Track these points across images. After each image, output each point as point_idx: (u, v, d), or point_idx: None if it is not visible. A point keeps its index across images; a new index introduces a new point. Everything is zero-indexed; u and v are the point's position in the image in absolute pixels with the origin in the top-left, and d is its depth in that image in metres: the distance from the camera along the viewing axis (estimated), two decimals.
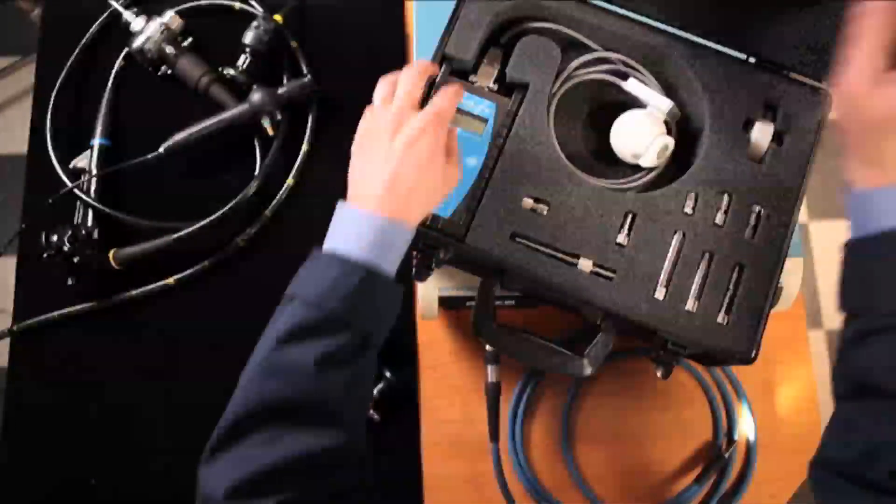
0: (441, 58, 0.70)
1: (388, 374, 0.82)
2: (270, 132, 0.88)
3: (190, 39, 0.91)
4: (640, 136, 0.69)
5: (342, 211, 0.58)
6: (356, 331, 0.53)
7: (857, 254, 0.55)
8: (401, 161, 0.56)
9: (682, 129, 0.73)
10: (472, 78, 0.70)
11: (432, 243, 0.66)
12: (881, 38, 0.52)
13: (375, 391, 0.81)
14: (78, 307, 0.84)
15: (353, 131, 0.86)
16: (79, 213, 0.85)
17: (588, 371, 0.66)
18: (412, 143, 0.57)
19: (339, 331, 0.52)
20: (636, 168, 0.72)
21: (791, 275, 0.74)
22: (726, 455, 0.81)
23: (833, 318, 1.77)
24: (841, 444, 0.54)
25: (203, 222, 0.84)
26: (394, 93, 0.61)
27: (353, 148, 0.61)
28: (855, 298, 0.55)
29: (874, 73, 0.52)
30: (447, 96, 0.60)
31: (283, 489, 0.47)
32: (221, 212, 0.85)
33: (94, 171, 0.87)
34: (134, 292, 0.84)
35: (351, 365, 0.53)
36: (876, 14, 0.52)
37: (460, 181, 0.62)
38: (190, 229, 0.84)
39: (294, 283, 0.56)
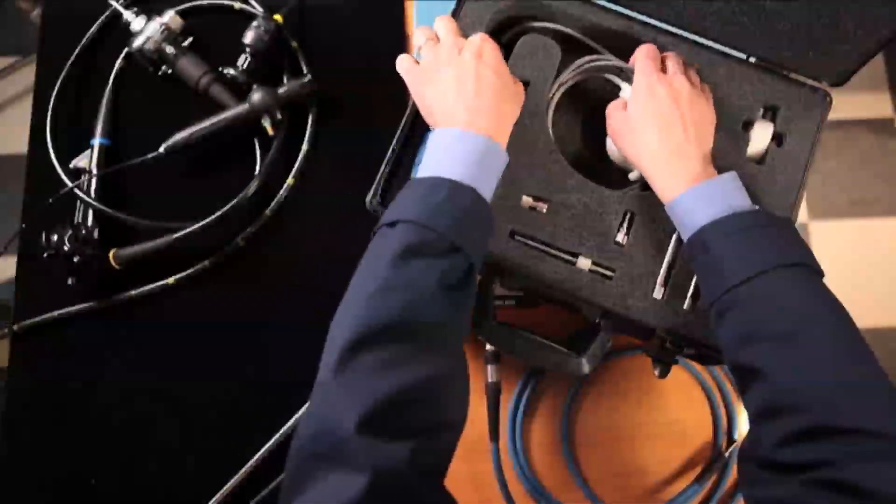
0: None
1: None
2: (270, 132, 0.88)
3: (190, 39, 0.91)
4: None
5: (438, 135, 0.58)
6: (466, 255, 0.52)
7: (694, 250, 0.59)
8: (478, 73, 0.59)
9: None
10: None
11: None
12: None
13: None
14: (78, 307, 0.84)
15: (354, 131, 0.87)
16: (79, 213, 0.85)
17: (586, 369, 0.66)
18: (480, 54, 0.61)
19: (452, 253, 0.52)
20: (635, 168, 0.72)
21: None
22: (726, 455, 0.81)
23: None
24: (748, 438, 0.54)
25: (203, 222, 0.84)
26: (434, 36, 0.65)
27: (416, 83, 0.63)
28: (710, 288, 0.58)
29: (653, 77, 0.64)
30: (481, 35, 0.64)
31: (410, 427, 0.47)
32: (221, 212, 0.85)
33: (94, 171, 0.87)
34: (134, 292, 0.84)
35: (463, 290, 0.53)
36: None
37: None
38: (190, 229, 0.84)
39: (393, 210, 0.54)
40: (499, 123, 0.59)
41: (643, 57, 0.66)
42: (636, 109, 0.64)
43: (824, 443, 0.46)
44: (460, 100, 0.58)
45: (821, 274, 0.57)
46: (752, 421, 0.53)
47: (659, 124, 0.62)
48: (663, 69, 0.66)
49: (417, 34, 0.66)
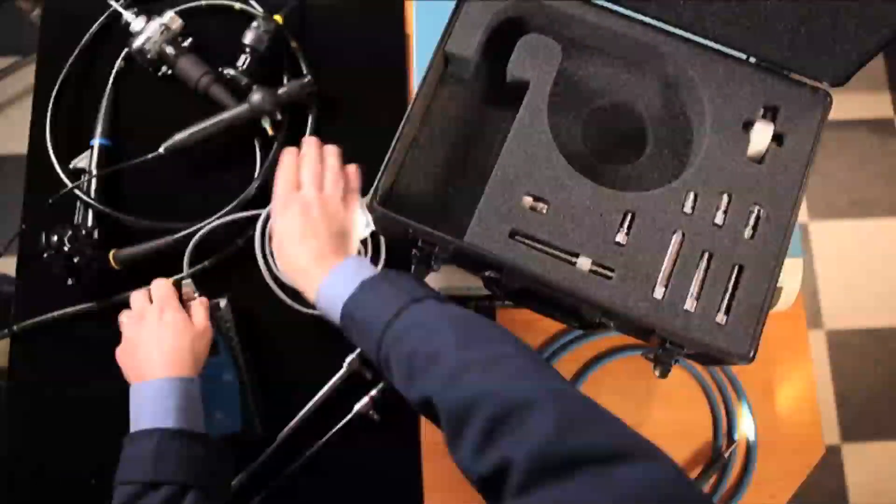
0: (442, 56, 0.70)
1: None
2: (270, 132, 0.88)
3: (190, 39, 0.91)
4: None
5: (131, 392, 0.70)
6: (170, 483, 0.62)
7: (347, 338, 0.64)
8: (162, 342, 0.71)
9: (682, 128, 0.73)
10: None
11: (430, 240, 0.66)
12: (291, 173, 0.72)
13: (375, 391, 0.81)
14: (78, 307, 0.84)
15: (353, 131, 0.87)
16: (79, 213, 0.85)
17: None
18: (164, 319, 0.73)
19: (155, 490, 0.61)
20: (635, 168, 0.72)
21: (791, 275, 0.74)
22: (726, 455, 0.81)
23: (833, 318, 1.78)
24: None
25: (203, 222, 0.84)
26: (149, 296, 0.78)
27: (127, 337, 0.74)
28: (371, 357, 0.62)
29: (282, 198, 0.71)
30: (161, 287, 0.77)
31: None
32: (222, 212, 0.85)
33: (94, 171, 0.87)
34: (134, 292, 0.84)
35: None
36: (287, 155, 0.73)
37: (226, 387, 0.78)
38: (190, 229, 0.84)
39: (116, 476, 0.66)
40: (182, 365, 0.70)
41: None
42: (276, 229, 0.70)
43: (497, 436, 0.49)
44: (152, 357, 0.70)
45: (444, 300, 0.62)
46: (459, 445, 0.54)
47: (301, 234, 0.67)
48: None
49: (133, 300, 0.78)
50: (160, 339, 0.71)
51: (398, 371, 0.58)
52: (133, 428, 0.67)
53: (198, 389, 0.70)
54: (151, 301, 0.77)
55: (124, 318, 0.76)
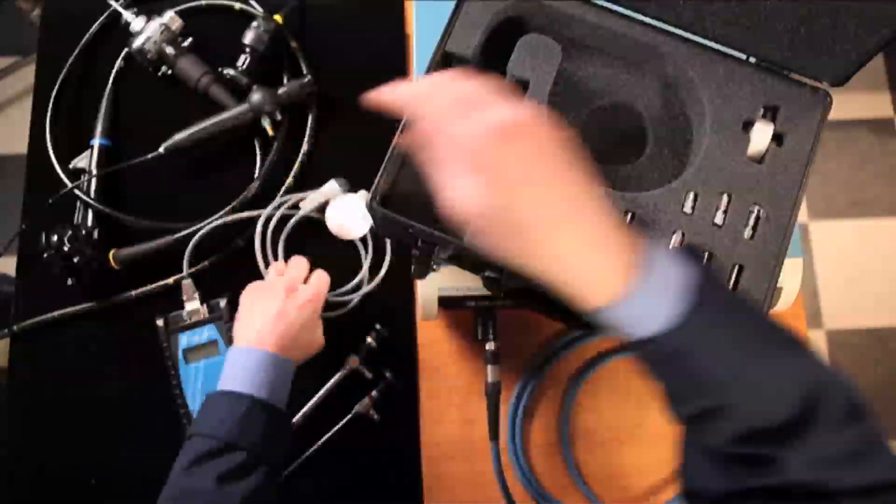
0: (443, 56, 0.70)
1: (388, 375, 0.82)
2: (270, 132, 0.88)
3: (190, 39, 0.91)
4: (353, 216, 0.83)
5: (234, 352, 0.69)
6: (248, 452, 0.62)
7: (654, 370, 0.49)
8: (290, 317, 0.70)
9: (682, 128, 0.73)
10: (183, 314, 0.82)
11: (430, 240, 0.66)
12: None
13: (375, 392, 0.81)
14: (78, 307, 0.84)
15: (354, 131, 0.87)
16: (79, 213, 0.85)
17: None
18: (302, 307, 0.71)
19: (231, 452, 0.62)
20: (635, 168, 0.72)
21: (790, 275, 0.74)
22: None
23: (833, 318, 1.78)
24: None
25: (203, 222, 0.84)
26: (284, 272, 0.76)
27: (246, 299, 0.73)
28: (688, 405, 0.48)
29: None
30: (322, 280, 0.75)
31: None
32: (222, 212, 0.85)
33: (94, 171, 0.87)
34: (134, 292, 0.84)
35: (246, 478, 0.62)
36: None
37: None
38: (190, 229, 0.84)
39: (191, 426, 0.66)
40: (292, 353, 0.70)
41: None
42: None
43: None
44: (266, 330, 0.69)
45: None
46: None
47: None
48: None
49: (273, 265, 0.78)
50: (281, 316, 0.70)
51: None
52: (222, 386, 0.67)
53: (292, 374, 0.70)
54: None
55: (269, 278, 0.76)
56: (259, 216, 0.84)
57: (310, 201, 0.85)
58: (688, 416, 0.48)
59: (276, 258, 0.85)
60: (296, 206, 0.86)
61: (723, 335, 0.45)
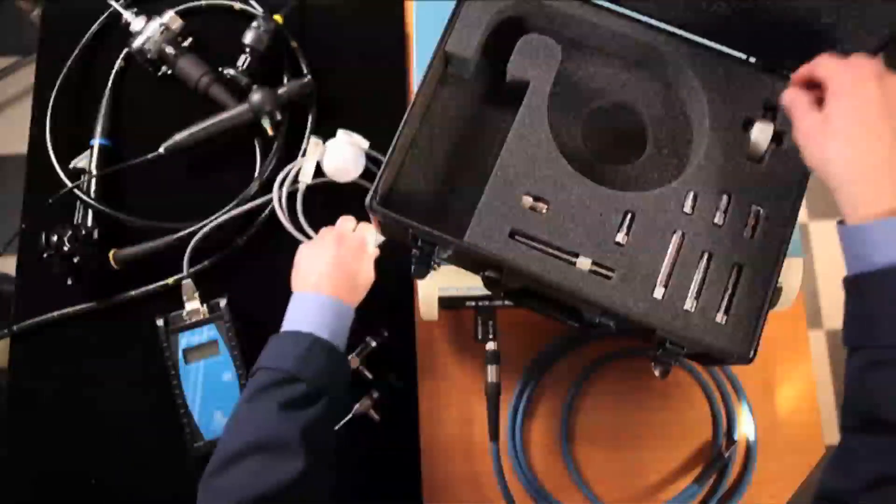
0: (442, 56, 0.70)
1: (388, 375, 0.82)
2: (270, 132, 0.88)
3: (190, 39, 0.91)
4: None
5: (296, 297, 0.72)
6: (309, 383, 0.64)
7: (856, 290, 0.55)
8: (345, 262, 0.73)
9: (682, 128, 0.73)
10: (183, 314, 0.82)
11: (430, 240, 0.66)
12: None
13: (375, 392, 0.81)
14: (78, 307, 0.84)
15: (353, 131, 0.87)
16: (79, 213, 0.85)
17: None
18: (354, 252, 0.74)
19: (293, 383, 0.64)
20: (635, 168, 0.72)
21: (791, 275, 0.73)
22: (726, 455, 0.81)
23: (833, 319, 1.77)
24: (842, 475, 0.53)
25: (203, 222, 0.84)
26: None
27: (301, 254, 0.75)
28: (857, 333, 0.55)
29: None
30: (367, 227, 0.77)
31: None
32: (222, 212, 0.85)
33: (94, 171, 0.87)
34: (134, 292, 0.84)
35: (307, 409, 0.63)
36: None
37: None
38: (190, 229, 0.84)
39: (260, 357, 0.68)
40: (349, 294, 0.72)
41: (840, 61, 0.58)
42: (837, 110, 0.55)
43: None
44: (325, 277, 0.72)
45: None
46: (868, 472, 0.51)
47: (866, 128, 0.54)
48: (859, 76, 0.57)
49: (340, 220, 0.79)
50: (337, 263, 0.73)
51: None
52: (285, 328, 0.70)
53: (351, 319, 0.72)
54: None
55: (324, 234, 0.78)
56: (268, 201, 0.85)
57: (305, 166, 0.87)
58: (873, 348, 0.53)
59: (302, 232, 0.86)
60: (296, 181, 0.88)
61: None
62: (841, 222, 0.57)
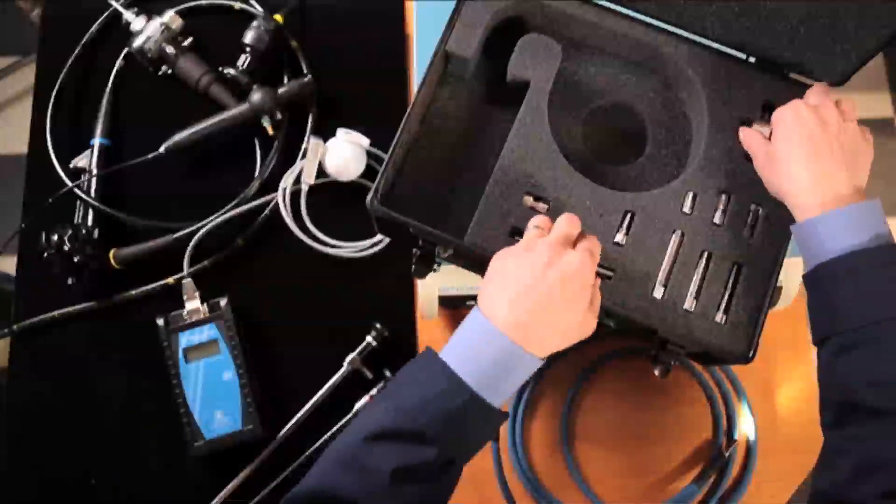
0: (442, 56, 0.70)
1: (388, 374, 0.82)
2: (270, 132, 0.88)
3: (190, 39, 0.91)
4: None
5: (476, 318, 0.55)
6: (442, 451, 0.51)
7: (815, 283, 0.58)
8: (550, 295, 0.54)
9: (682, 128, 0.73)
10: (183, 313, 0.81)
11: (430, 240, 0.66)
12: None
13: (375, 391, 0.81)
14: (78, 307, 0.84)
15: (354, 131, 0.87)
16: (79, 212, 0.85)
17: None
18: (567, 280, 0.55)
19: (424, 446, 0.51)
20: (635, 168, 0.72)
21: (791, 274, 0.74)
22: (726, 455, 0.81)
23: None
24: (828, 472, 0.54)
25: (203, 222, 0.84)
26: (549, 229, 0.59)
27: (497, 263, 0.58)
28: (821, 326, 0.57)
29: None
30: (594, 245, 0.59)
31: None
32: (222, 211, 0.85)
33: (94, 171, 0.87)
34: (134, 292, 0.84)
35: (427, 483, 0.52)
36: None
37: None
38: (190, 229, 0.84)
39: (397, 380, 0.55)
40: (541, 341, 0.55)
41: (790, 104, 0.64)
42: (780, 138, 0.63)
43: None
44: (515, 306, 0.54)
45: None
46: (850, 463, 0.52)
47: (805, 149, 0.61)
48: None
49: (534, 219, 0.61)
50: (535, 288, 0.54)
51: (867, 364, 0.54)
52: (449, 352, 0.54)
53: (530, 375, 0.56)
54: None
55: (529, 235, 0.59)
56: (268, 201, 0.85)
57: (307, 167, 0.86)
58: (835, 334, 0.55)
59: (307, 233, 0.84)
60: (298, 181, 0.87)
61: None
62: None
